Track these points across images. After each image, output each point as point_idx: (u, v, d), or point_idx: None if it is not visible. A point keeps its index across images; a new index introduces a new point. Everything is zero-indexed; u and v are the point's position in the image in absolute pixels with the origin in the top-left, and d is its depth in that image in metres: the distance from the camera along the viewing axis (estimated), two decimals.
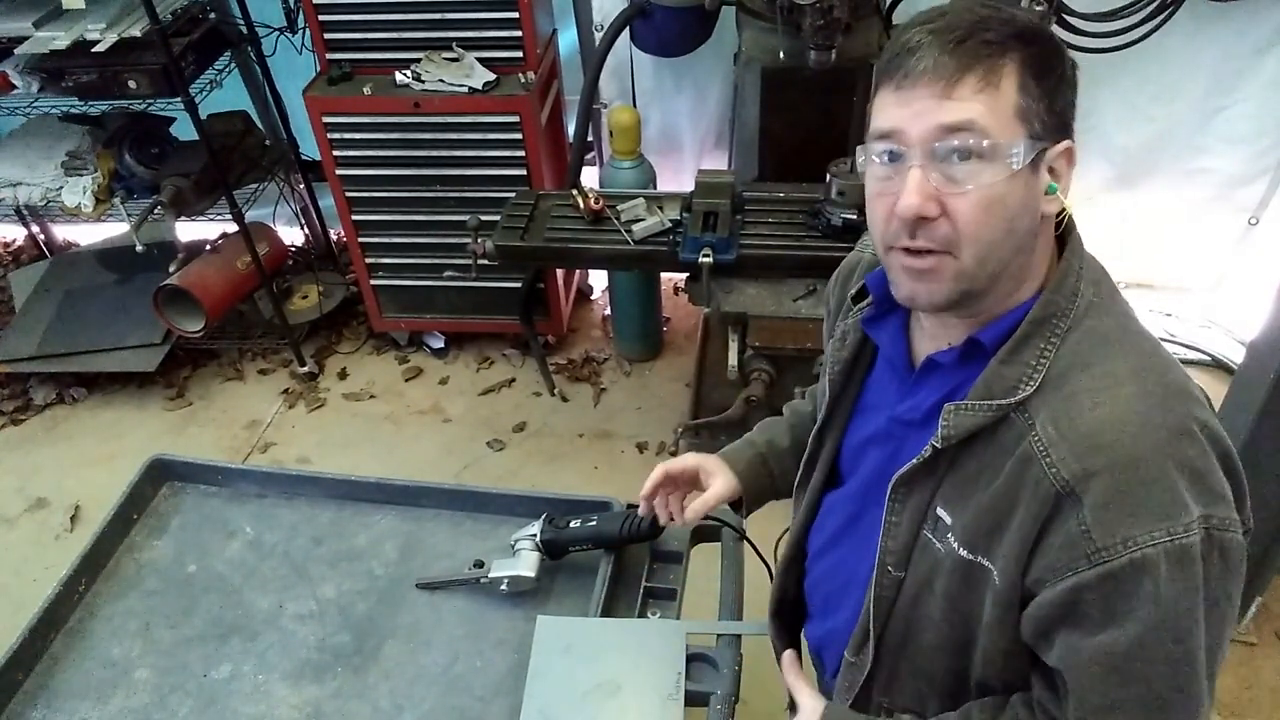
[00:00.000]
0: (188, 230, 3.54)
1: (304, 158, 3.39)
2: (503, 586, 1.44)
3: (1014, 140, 0.83)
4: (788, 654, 1.24)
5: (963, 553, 0.92)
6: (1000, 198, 0.84)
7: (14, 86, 2.83)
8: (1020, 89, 0.83)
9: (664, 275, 3.31)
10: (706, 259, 2.28)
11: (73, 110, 2.88)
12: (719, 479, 1.30)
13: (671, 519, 1.35)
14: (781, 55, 2.44)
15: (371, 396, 3.29)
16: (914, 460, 0.95)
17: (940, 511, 0.95)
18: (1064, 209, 0.91)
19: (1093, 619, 0.85)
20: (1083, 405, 0.84)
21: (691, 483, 1.34)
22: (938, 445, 0.92)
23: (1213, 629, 0.85)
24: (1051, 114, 0.85)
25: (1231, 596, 0.86)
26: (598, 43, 2.80)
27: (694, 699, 1.28)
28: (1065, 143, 0.88)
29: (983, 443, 0.91)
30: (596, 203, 2.46)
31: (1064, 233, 0.94)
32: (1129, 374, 0.85)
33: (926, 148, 0.84)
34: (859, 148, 0.92)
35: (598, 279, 3.62)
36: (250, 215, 3.08)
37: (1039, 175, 0.86)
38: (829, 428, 1.15)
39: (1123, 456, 0.81)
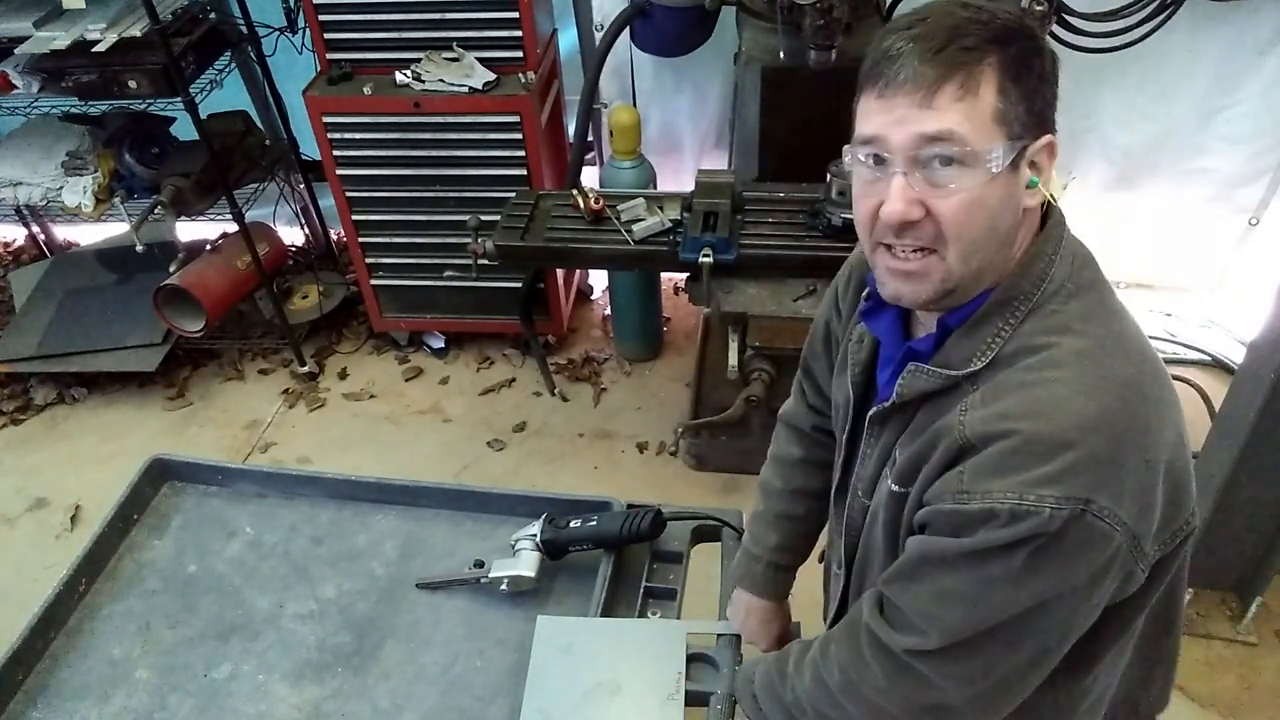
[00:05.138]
0: (188, 230, 3.54)
1: (304, 158, 3.38)
2: (503, 586, 1.44)
3: (993, 145, 0.86)
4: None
5: (894, 486, 1.02)
6: (981, 199, 0.87)
7: (14, 86, 2.83)
8: (999, 93, 0.86)
9: (664, 275, 3.31)
10: (706, 259, 2.28)
11: (73, 110, 2.88)
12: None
13: None
14: (781, 55, 2.44)
15: (371, 396, 3.29)
16: (883, 404, 1.04)
17: (897, 452, 1.03)
18: (1047, 199, 0.94)
19: (939, 533, 0.93)
20: (1012, 381, 0.90)
21: None
22: (895, 400, 1.01)
23: (1041, 608, 0.89)
24: (1030, 113, 0.88)
25: (1080, 586, 0.88)
26: (598, 43, 2.80)
27: (694, 699, 1.29)
28: (1045, 138, 0.90)
29: (935, 402, 0.98)
30: (596, 203, 2.46)
31: (1048, 219, 0.97)
32: (1072, 359, 0.88)
33: (908, 154, 0.87)
34: (845, 148, 0.95)
35: (598, 279, 3.62)
36: (250, 215, 3.08)
37: (1019, 173, 0.89)
38: (858, 430, 1.17)
39: (1026, 429, 0.85)
